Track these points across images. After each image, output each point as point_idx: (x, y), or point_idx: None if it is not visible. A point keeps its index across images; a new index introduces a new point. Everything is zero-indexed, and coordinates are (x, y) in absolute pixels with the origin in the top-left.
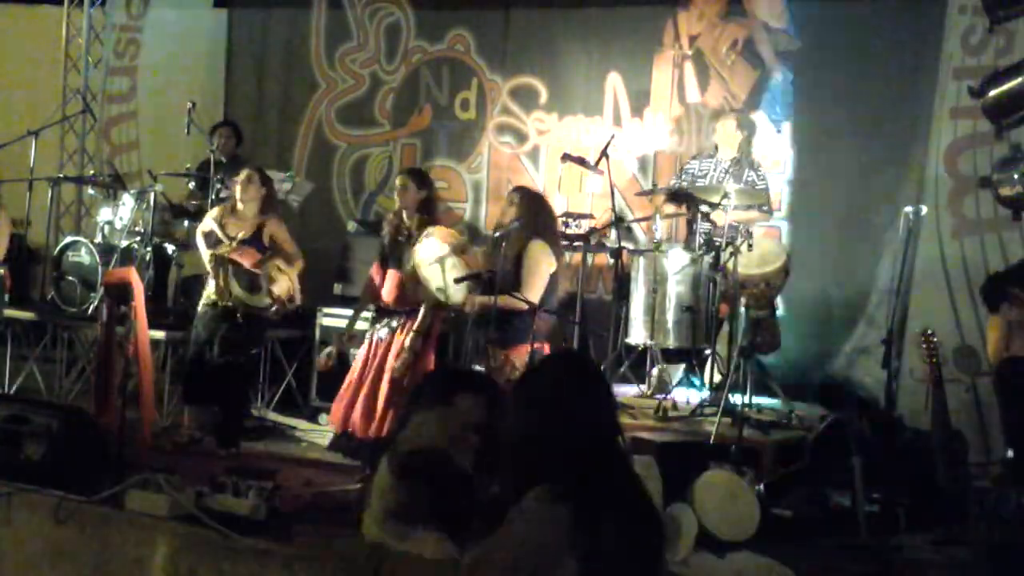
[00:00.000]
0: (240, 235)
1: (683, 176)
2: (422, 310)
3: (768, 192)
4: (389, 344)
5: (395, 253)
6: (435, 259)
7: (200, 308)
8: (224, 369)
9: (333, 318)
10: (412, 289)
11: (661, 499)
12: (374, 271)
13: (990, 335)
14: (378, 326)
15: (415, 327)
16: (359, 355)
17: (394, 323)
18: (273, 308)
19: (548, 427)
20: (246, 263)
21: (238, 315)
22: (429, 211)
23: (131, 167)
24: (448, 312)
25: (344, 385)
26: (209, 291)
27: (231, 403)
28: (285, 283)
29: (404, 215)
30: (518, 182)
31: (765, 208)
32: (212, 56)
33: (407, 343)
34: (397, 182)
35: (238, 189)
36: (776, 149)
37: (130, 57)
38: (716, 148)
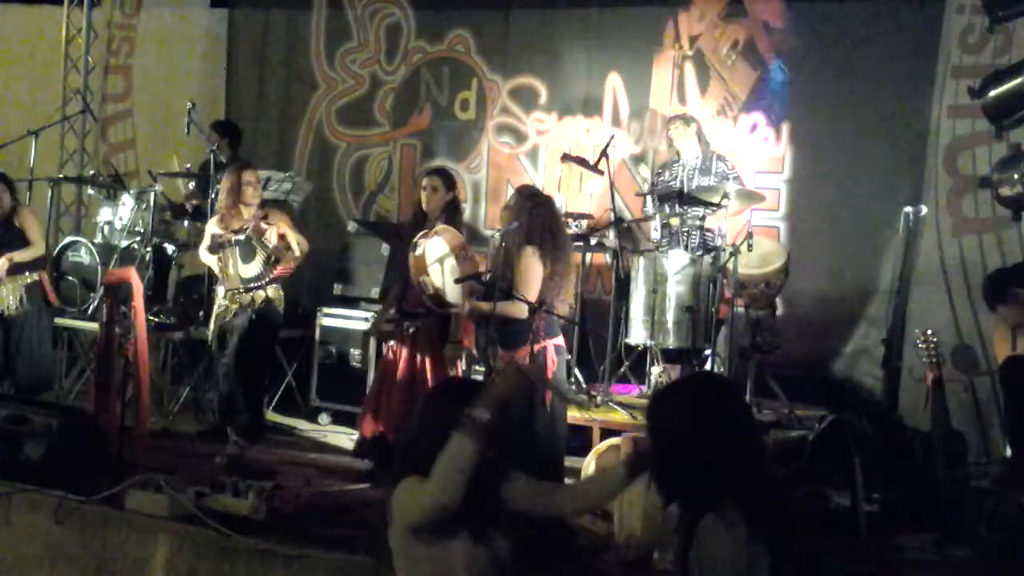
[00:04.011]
0: (244, 227)
1: (657, 186)
2: (453, 319)
3: (740, 179)
4: (409, 346)
5: None
6: (436, 259)
7: (212, 324)
8: (240, 365)
9: (333, 318)
10: (415, 281)
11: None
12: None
13: (996, 334)
14: (402, 328)
15: (449, 337)
16: (384, 361)
17: (411, 326)
18: (272, 259)
19: (718, 453)
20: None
21: (250, 310)
22: (453, 213)
23: (127, 166)
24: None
25: (374, 390)
26: (219, 300)
27: (248, 396)
28: (277, 231)
29: (429, 217)
30: (517, 182)
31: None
32: (209, 55)
33: (449, 353)
34: (424, 183)
35: (248, 191)
36: (772, 149)
37: (124, 55)
38: (678, 154)
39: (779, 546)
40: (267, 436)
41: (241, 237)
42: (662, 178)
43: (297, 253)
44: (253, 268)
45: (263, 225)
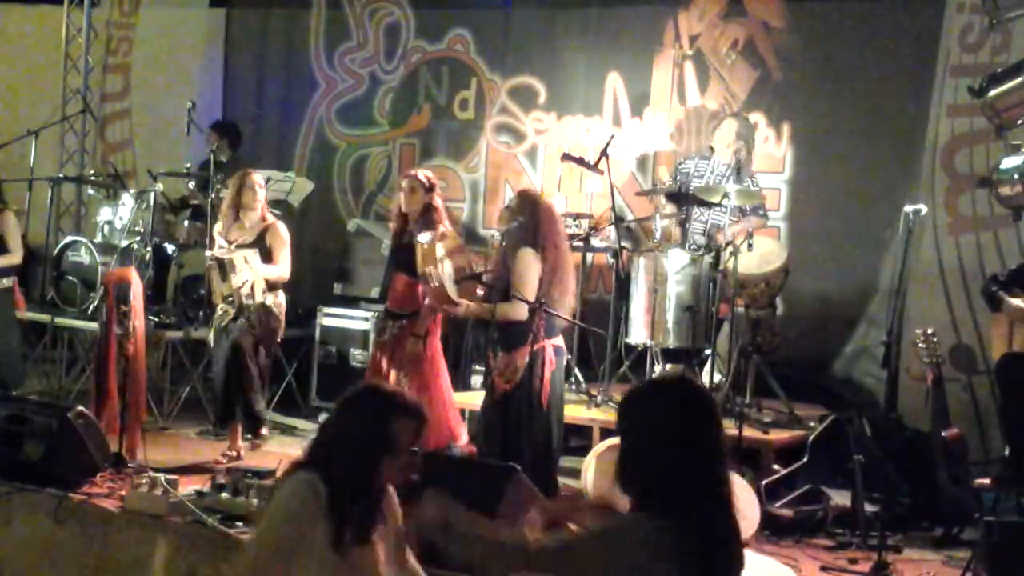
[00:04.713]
0: (241, 240)
1: (678, 176)
2: (421, 312)
3: (764, 205)
4: (393, 347)
5: (399, 256)
6: (442, 256)
7: (212, 330)
8: (235, 370)
9: (333, 318)
10: (421, 271)
11: None
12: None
13: (994, 332)
14: (385, 328)
15: (414, 330)
16: (370, 361)
17: (397, 326)
18: (229, 298)
19: (667, 456)
20: (226, 256)
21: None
22: (431, 214)
23: (125, 165)
24: (448, 314)
25: None
26: (218, 311)
27: (239, 389)
28: (246, 276)
29: (409, 218)
30: (516, 182)
31: (762, 212)
32: (208, 55)
33: (408, 348)
34: (404, 185)
35: (248, 196)
36: (773, 149)
37: (123, 54)
38: (712, 150)
39: (698, 569)
40: (265, 434)
41: (226, 257)
42: (684, 168)
43: (254, 301)
44: (227, 289)
45: (236, 263)
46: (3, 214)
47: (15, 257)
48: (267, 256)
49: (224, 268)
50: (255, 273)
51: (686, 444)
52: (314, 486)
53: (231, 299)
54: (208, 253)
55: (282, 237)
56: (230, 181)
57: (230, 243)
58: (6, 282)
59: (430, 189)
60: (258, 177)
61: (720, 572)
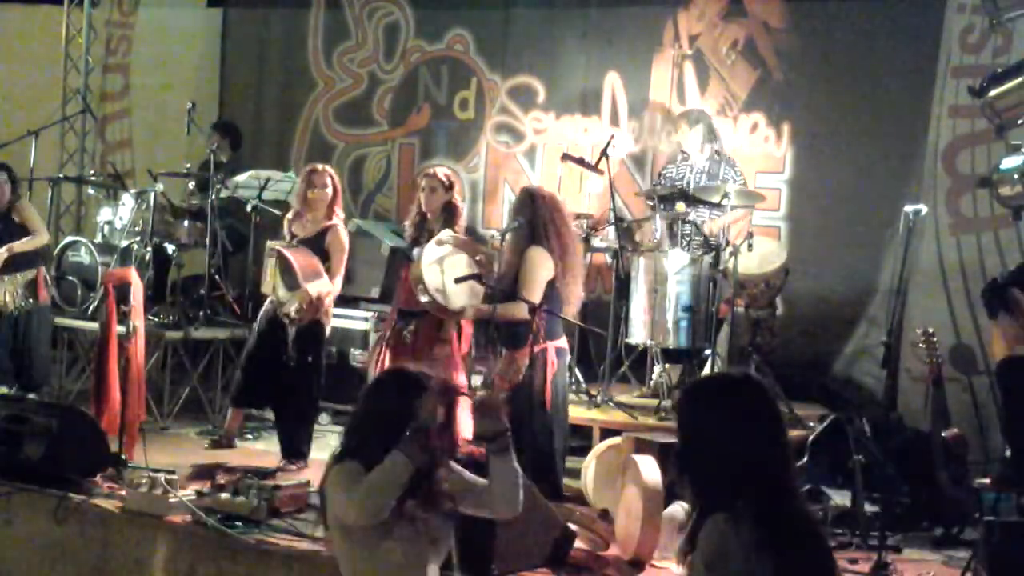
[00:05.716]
0: (302, 235)
1: (661, 181)
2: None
3: (744, 186)
4: (410, 346)
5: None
6: (435, 259)
7: (263, 308)
8: (283, 376)
9: (333, 318)
10: (416, 291)
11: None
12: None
13: (994, 332)
14: (398, 327)
15: (440, 335)
16: (376, 358)
17: (411, 325)
18: (294, 310)
19: (736, 453)
20: (295, 262)
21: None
22: (452, 213)
23: (124, 165)
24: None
25: None
26: (267, 304)
27: (294, 412)
28: (304, 313)
29: (428, 216)
30: (514, 182)
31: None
32: (206, 55)
33: (437, 353)
34: (423, 184)
35: (310, 195)
36: (773, 149)
37: (122, 54)
38: (687, 153)
39: (790, 560)
40: (308, 452)
41: (302, 286)
42: (669, 175)
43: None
44: (286, 298)
45: (309, 293)
46: (19, 203)
47: (40, 238)
48: (323, 258)
49: (293, 277)
50: (321, 292)
51: (759, 437)
52: (355, 473)
53: (294, 310)
54: (279, 247)
55: (341, 241)
56: (300, 176)
57: (292, 236)
58: (30, 274)
59: (450, 187)
60: (327, 177)
61: (811, 558)
